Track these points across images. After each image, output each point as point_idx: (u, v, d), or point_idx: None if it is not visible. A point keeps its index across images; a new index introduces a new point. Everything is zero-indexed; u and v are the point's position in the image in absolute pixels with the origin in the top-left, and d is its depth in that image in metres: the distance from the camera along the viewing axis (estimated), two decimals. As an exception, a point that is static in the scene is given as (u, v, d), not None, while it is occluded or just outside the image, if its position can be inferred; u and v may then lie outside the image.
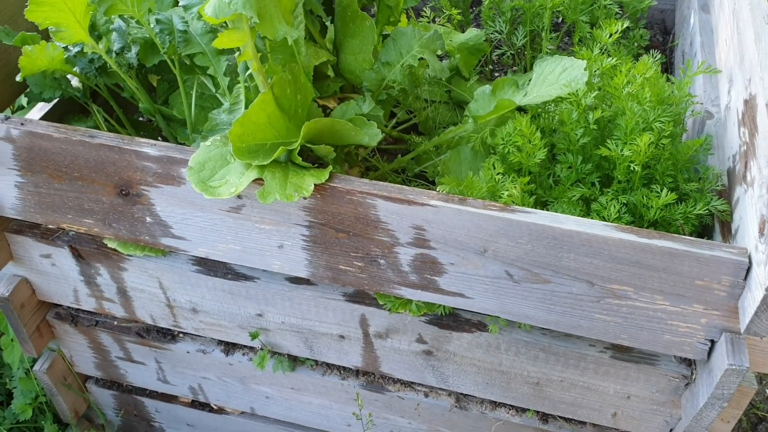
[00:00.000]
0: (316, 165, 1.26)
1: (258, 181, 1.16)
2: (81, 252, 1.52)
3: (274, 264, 1.36)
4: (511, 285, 1.23)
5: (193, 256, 1.48)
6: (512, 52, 1.85)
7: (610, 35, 1.44)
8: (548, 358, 1.40)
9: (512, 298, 1.26)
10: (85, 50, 1.45)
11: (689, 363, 1.35)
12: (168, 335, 1.69)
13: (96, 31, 1.47)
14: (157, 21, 1.39)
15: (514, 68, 1.92)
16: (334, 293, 1.45)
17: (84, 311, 1.71)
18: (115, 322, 1.70)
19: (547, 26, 1.73)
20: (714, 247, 1.11)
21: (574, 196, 1.25)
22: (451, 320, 1.41)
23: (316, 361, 1.64)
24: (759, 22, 1.28)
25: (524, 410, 1.58)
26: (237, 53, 1.19)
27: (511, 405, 1.58)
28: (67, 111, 1.60)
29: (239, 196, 1.27)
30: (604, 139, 1.28)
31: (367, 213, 1.21)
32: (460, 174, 1.41)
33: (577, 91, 1.26)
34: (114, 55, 1.44)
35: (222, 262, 1.48)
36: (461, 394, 1.60)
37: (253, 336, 1.56)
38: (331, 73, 1.55)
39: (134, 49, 1.45)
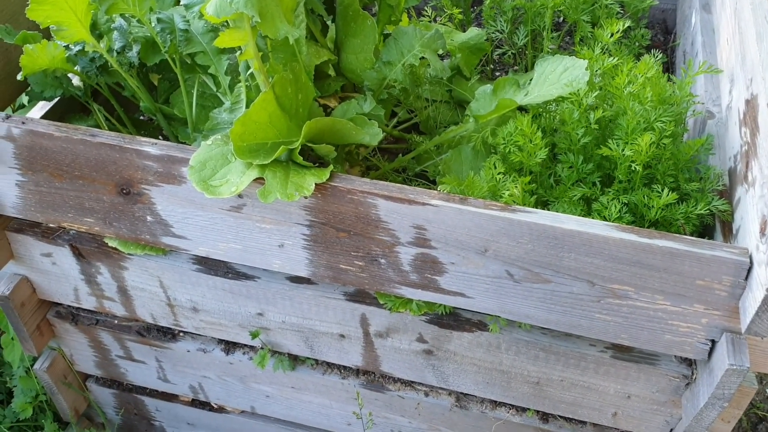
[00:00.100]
0: (317, 164, 1.26)
1: (259, 180, 1.16)
2: (81, 251, 1.52)
3: (275, 263, 1.36)
4: (511, 284, 1.23)
5: (194, 255, 1.48)
6: (513, 51, 1.85)
7: (612, 35, 1.44)
8: (548, 358, 1.40)
9: (513, 298, 1.25)
10: (86, 49, 1.45)
11: (690, 363, 1.35)
12: (168, 334, 1.69)
13: (97, 30, 1.47)
14: (159, 20, 1.39)
15: (515, 68, 1.92)
16: (334, 292, 1.45)
17: (84, 310, 1.71)
18: (116, 321, 1.70)
19: (549, 26, 1.73)
20: (715, 247, 1.11)
21: (575, 195, 1.25)
22: (452, 320, 1.41)
23: (316, 361, 1.64)
24: (761, 22, 1.28)
25: (524, 410, 1.58)
26: (238, 52, 1.19)
27: (511, 404, 1.58)
28: (68, 110, 1.60)
29: (240, 196, 1.27)
30: (605, 139, 1.28)
31: (367, 212, 1.21)
32: (461, 173, 1.40)
33: (578, 90, 1.26)
34: (115, 53, 1.44)
35: (222, 261, 1.48)
36: (461, 393, 1.60)
37: (254, 335, 1.56)
38: (332, 72, 1.55)
39: (135, 48, 1.45)
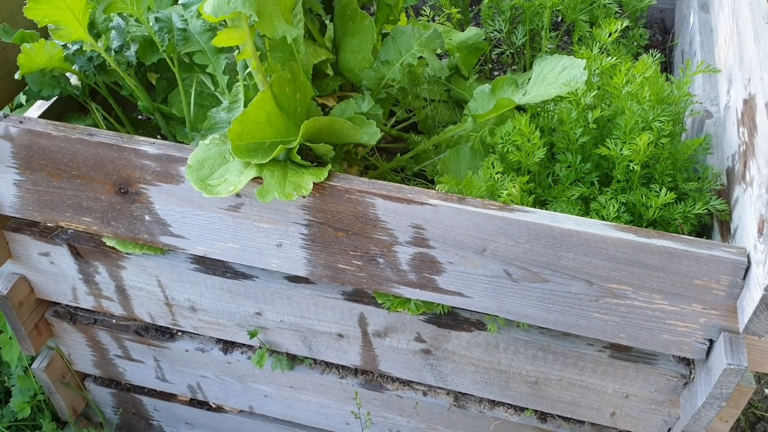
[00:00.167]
0: (315, 164, 1.26)
1: (257, 179, 1.16)
2: (79, 250, 1.52)
3: (273, 263, 1.36)
4: (509, 284, 1.23)
5: (192, 254, 1.48)
6: (512, 51, 1.85)
7: (610, 34, 1.44)
8: (547, 357, 1.40)
9: (511, 297, 1.26)
10: (84, 48, 1.44)
11: (688, 362, 1.35)
12: (166, 333, 1.69)
13: (95, 29, 1.47)
14: (156, 19, 1.38)
15: (514, 67, 1.92)
16: (332, 292, 1.45)
17: (82, 309, 1.71)
18: (114, 321, 1.70)
19: (547, 25, 1.73)
20: (713, 246, 1.11)
21: (573, 195, 1.25)
22: (450, 319, 1.41)
23: (314, 360, 1.64)
24: (758, 22, 1.28)
25: (523, 409, 1.58)
26: (236, 51, 1.19)
27: (509, 404, 1.58)
28: (65, 109, 1.59)
29: (238, 195, 1.26)
30: (603, 139, 1.28)
31: (366, 212, 1.21)
32: (459, 173, 1.40)
33: (576, 90, 1.26)
34: (113, 53, 1.44)
35: (221, 260, 1.48)
36: (460, 393, 1.60)
37: (252, 334, 1.56)
38: (330, 71, 1.55)
39: (133, 47, 1.45)
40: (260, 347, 1.61)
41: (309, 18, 1.50)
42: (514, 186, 1.21)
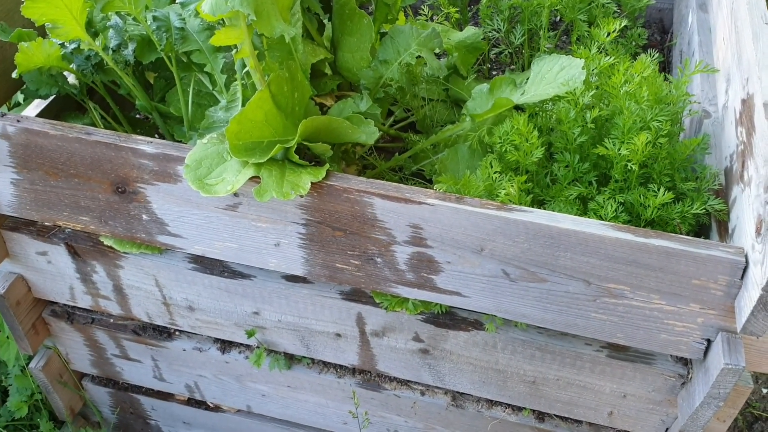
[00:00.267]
0: (313, 163, 1.26)
1: (255, 178, 1.15)
2: (77, 249, 1.52)
3: (271, 262, 1.36)
4: (507, 284, 1.23)
5: (190, 253, 1.48)
6: (510, 50, 1.85)
7: (608, 34, 1.44)
8: (544, 357, 1.40)
9: (509, 297, 1.25)
10: (81, 47, 1.44)
11: (685, 362, 1.35)
12: (164, 333, 1.69)
13: (93, 28, 1.47)
14: (154, 18, 1.38)
15: (512, 67, 1.92)
16: (330, 291, 1.45)
17: (80, 309, 1.71)
18: (111, 320, 1.70)
19: (545, 25, 1.73)
20: (711, 246, 1.11)
21: (571, 194, 1.25)
22: (448, 319, 1.41)
23: (312, 360, 1.64)
24: (757, 22, 1.28)
25: (520, 409, 1.58)
26: (234, 50, 1.19)
27: (507, 404, 1.58)
28: (63, 108, 1.59)
29: (236, 194, 1.26)
30: (601, 138, 1.28)
31: (364, 211, 1.21)
32: (457, 172, 1.40)
33: (574, 89, 1.26)
34: (111, 52, 1.43)
35: (218, 260, 1.48)
36: (457, 392, 1.60)
37: (250, 334, 1.56)
38: (328, 70, 1.55)
39: (131, 46, 1.45)
40: (258, 347, 1.61)
41: (307, 17, 1.50)
42: (512, 185, 1.21)
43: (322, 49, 1.49)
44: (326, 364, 1.64)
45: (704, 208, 1.21)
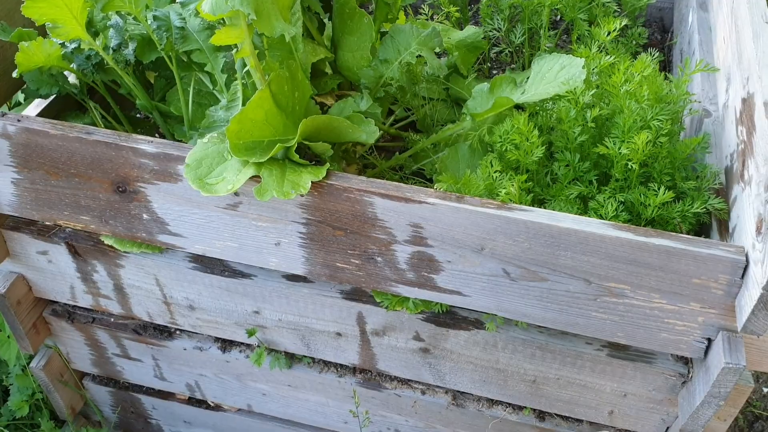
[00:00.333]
0: (314, 162, 1.26)
1: (255, 178, 1.15)
2: (78, 249, 1.52)
3: (271, 261, 1.36)
4: (508, 283, 1.23)
5: (190, 253, 1.48)
6: (510, 49, 1.84)
7: (609, 33, 1.44)
8: (545, 356, 1.40)
9: (509, 296, 1.25)
10: (82, 46, 1.44)
11: (686, 361, 1.35)
12: (165, 332, 1.69)
13: (93, 28, 1.47)
14: (155, 17, 1.38)
15: (512, 66, 1.92)
16: (331, 291, 1.45)
17: (81, 308, 1.71)
18: (112, 319, 1.70)
19: (546, 24, 1.73)
20: (711, 245, 1.11)
21: (572, 194, 1.25)
22: (448, 318, 1.41)
23: (313, 359, 1.64)
24: (757, 21, 1.28)
25: (521, 408, 1.58)
26: (234, 50, 1.19)
27: (507, 403, 1.58)
28: (63, 107, 1.59)
29: (236, 194, 1.26)
30: (601, 137, 1.28)
31: (364, 210, 1.21)
32: (457, 172, 1.40)
33: (575, 89, 1.26)
34: (111, 51, 1.44)
35: (219, 259, 1.48)
36: (458, 391, 1.60)
37: (250, 333, 1.56)
38: (328, 70, 1.55)
39: (131, 46, 1.45)
40: (258, 346, 1.61)
41: (307, 16, 1.50)
42: (513, 185, 1.21)
43: (322, 49, 1.49)
44: (327, 364, 1.64)
45: (705, 207, 1.21)
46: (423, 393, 1.61)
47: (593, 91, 1.29)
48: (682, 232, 1.22)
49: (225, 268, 1.49)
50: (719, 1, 1.61)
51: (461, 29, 1.83)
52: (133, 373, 1.82)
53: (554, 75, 1.29)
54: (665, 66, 1.96)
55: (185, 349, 1.68)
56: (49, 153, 1.31)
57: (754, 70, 1.20)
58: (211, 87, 1.45)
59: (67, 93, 1.51)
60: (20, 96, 1.59)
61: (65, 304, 1.71)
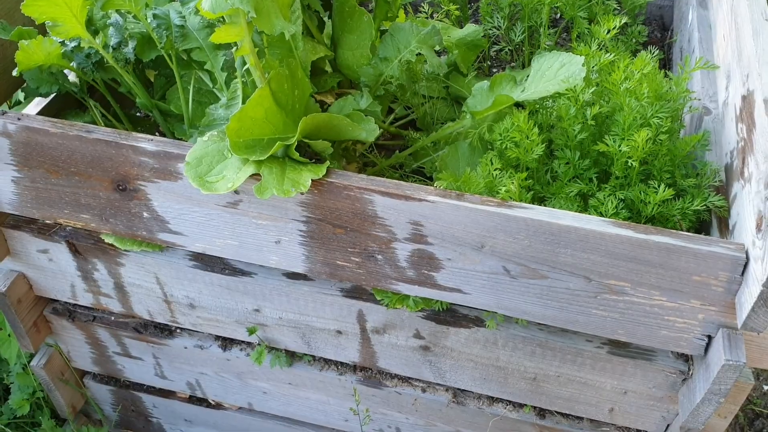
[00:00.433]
0: (314, 160, 1.26)
1: (255, 176, 1.16)
2: (78, 247, 1.52)
3: (272, 259, 1.36)
4: (508, 280, 1.23)
5: (190, 251, 1.48)
6: (510, 47, 1.84)
7: (608, 31, 1.44)
8: (545, 354, 1.40)
9: (509, 294, 1.26)
10: (81, 45, 1.44)
11: (686, 358, 1.35)
12: (165, 330, 1.69)
13: (93, 26, 1.47)
14: (154, 16, 1.38)
15: (512, 64, 1.92)
16: (331, 289, 1.45)
17: (81, 306, 1.71)
18: (113, 318, 1.70)
19: (546, 22, 1.73)
20: (711, 242, 1.11)
21: (572, 191, 1.25)
22: (449, 316, 1.41)
23: (313, 357, 1.64)
24: (757, 18, 1.28)
25: (521, 405, 1.58)
26: (234, 48, 1.19)
27: (508, 400, 1.59)
28: (64, 106, 1.59)
29: (236, 192, 1.26)
30: (601, 135, 1.28)
31: (364, 208, 1.21)
32: (457, 170, 1.40)
33: (575, 86, 1.26)
34: (111, 50, 1.44)
35: (219, 257, 1.48)
36: (458, 389, 1.60)
37: (251, 331, 1.56)
38: (328, 68, 1.55)
39: (131, 44, 1.45)
40: (259, 344, 1.61)
41: (307, 14, 1.50)
42: (513, 182, 1.21)
43: (322, 47, 1.49)
44: (327, 362, 1.64)
45: (704, 205, 1.21)
46: (423, 391, 1.61)
47: (593, 89, 1.29)
48: (682, 230, 1.22)
49: (225, 266, 1.49)
50: (719, -1, 1.61)
51: (461, 27, 1.83)
52: (134, 371, 1.82)
53: (554, 73, 1.29)
54: (665, 64, 1.96)
55: (186, 348, 1.68)
56: (50, 151, 1.31)
57: (754, 67, 1.20)
58: (211, 85, 1.45)
59: (67, 91, 1.51)
60: (20, 95, 1.60)
61: (66, 302, 1.71)
